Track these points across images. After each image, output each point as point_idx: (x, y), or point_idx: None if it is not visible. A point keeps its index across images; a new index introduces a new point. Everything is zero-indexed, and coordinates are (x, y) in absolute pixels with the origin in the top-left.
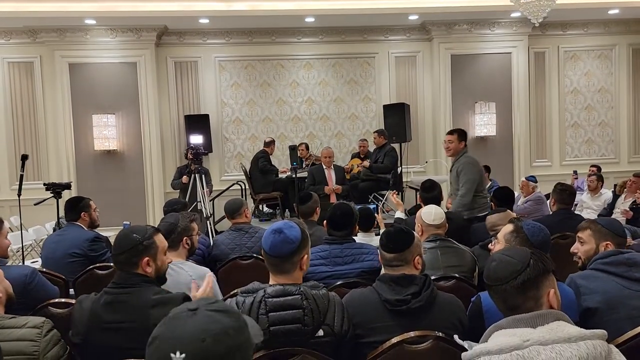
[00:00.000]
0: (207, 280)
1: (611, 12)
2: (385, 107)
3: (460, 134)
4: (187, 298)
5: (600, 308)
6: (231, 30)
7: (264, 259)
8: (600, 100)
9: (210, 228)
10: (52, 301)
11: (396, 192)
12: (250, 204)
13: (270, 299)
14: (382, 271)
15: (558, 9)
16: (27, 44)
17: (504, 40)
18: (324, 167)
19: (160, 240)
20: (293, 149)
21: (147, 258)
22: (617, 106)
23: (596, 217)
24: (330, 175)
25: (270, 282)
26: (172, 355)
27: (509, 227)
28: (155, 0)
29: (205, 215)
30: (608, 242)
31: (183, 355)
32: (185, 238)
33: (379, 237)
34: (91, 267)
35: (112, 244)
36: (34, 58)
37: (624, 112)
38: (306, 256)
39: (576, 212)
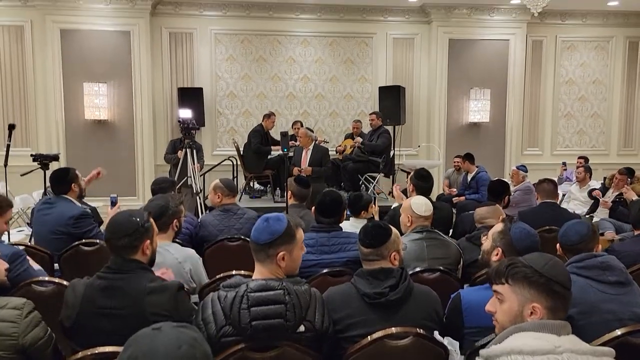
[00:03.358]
0: (161, 271)
1: (610, 3)
2: (381, 89)
3: None
4: (181, 287)
5: (576, 314)
6: (228, 3)
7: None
8: (594, 91)
9: (200, 203)
10: (35, 279)
11: (399, 185)
12: (242, 180)
13: (252, 294)
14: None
15: None
16: (17, 7)
17: (502, 27)
18: (303, 147)
19: (153, 222)
20: (284, 135)
21: (148, 241)
22: (610, 98)
23: (584, 210)
24: (306, 156)
25: (255, 273)
26: None
27: (499, 227)
28: None
29: (195, 191)
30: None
31: None
32: (175, 220)
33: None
34: (77, 243)
35: (108, 227)
36: (24, 22)
37: (617, 104)
38: (286, 255)
39: (564, 202)
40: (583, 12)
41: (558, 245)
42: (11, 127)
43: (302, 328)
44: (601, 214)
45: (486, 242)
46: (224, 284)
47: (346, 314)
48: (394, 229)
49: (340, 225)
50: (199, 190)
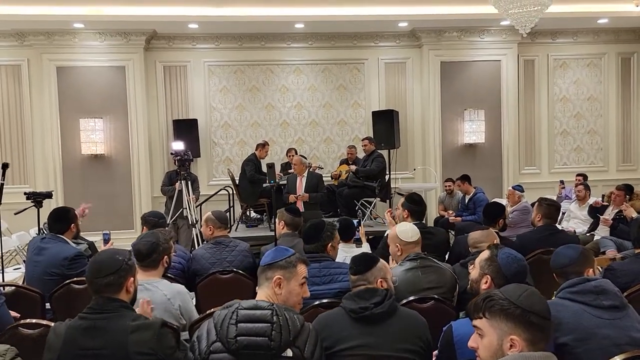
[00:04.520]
0: (141, 303)
1: (600, 21)
2: (374, 113)
3: None
4: (164, 324)
5: (572, 341)
6: (221, 35)
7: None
8: (589, 108)
9: (196, 234)
10: (22, 322)
11: (390, 210)
12: (238, 209)
13: (242, 310)
14: None
15: (548, 17)
16: (14, 47)
17: (493, 48)
18: (297, 175)
19: (135, 260)
20: (271, 167)
21: (132, 278)
22: (605, 114)
23: (584, 228)
24: (300, 183)
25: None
26: None
27: (485, 254)
28: (145, 4)
29: (191, 222)
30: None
31: None
32: (165, 257)
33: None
34: (68, 281)
35: (90, 267)
36: (22, 61)
37: (613, 120)
38: (283, 282)
39: (563, 221)
40: (573, 30)
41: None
42: (4, 166)
43: (289, 352)
44: (602, 231)
45: (474, 271)
46: (223, 305)
47: (334, 330)
48: (381, 260)
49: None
50: (195, 222)
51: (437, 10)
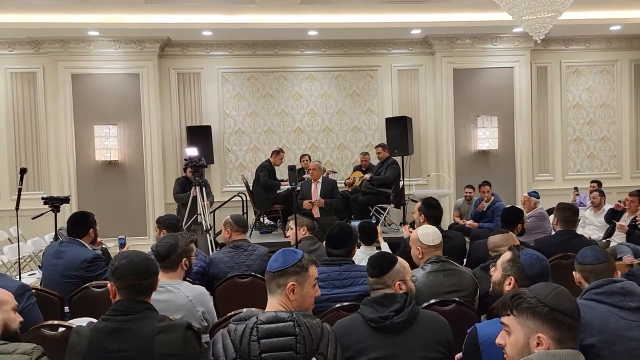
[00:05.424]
0: None
1: (613, 28)
2: (388, 120)
3: None
4: (190, 326)
5: (599, 342)
6: (234, 43)
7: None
8: (602, 115)
9: (210, 240)
10: (44, 323)
11: (409, 225)
12: (252, 216)
13: (262, 325)
14: None
15: (560, 24)
16: (30, 55)
17: (506, 55)
18: (312, 180)
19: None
20: (292, 169)
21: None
22: (619, 121)
23: (600, 235)
24: (316, 189)
25: (267, 307)
26: None
27: (507, 255)
28: (159, 12)
29: (205, 228)
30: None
31: None
32: (184, 259)
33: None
34: (87, 284)
35: (127, 268)
36: (37, 68)
37: (626, 127)
38: (296, 288)
39: (579, 227)
40: (586, 37)
41: (575, 272)
42: (23, 171)
43: None
44: (618, 238)
45: (496, 273)
46: (234, 318)
47: (354, 341)
48: (400, 259)
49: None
50: (208, 228)
51: (450, 17)
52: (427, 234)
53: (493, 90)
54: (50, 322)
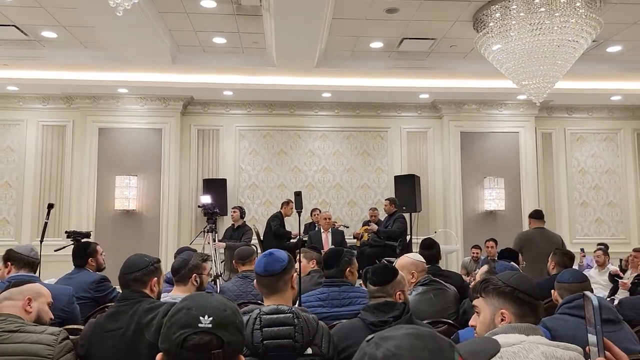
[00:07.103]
0: None
1: (613, 98)
2: (397, 177)
3: None
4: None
5: None
6: (253, 102)
7: (258, 283)
8: (608, 180)
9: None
10: (67, 327)
11: None
12: None
13: (264, 316)
14: None
15: (562, 93)
16: (62, 109)
17: (511, 120)
18: (322, 230)
19: (161, 269)
20: (298, 194)
21: (155, 279)
22: (624, 187)
23: (605, 293)
24: (327, 238)
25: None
26: (201, 318)
27: (485, 268)
28: (184, 72)
29: (215, 274)
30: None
31: (210, 318)
32: (194, 275)
33: (363, 271)
34: (101, 306)
35: (123, 265)
36: (67, 122)
37: (632, 193)
38: (295, 278)
39: None
40: (588, 106)
41: (553, 291)
42: (50, 207)
43: (309, 351)
44: (621, 295)
45: (475, 283)
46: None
47: (353, 342)
48: (400, 272)
49: None
50: (218, 274)
51: (457, 83)
52: (415, 254)
53: (499, 153)
54: (72, 325)
